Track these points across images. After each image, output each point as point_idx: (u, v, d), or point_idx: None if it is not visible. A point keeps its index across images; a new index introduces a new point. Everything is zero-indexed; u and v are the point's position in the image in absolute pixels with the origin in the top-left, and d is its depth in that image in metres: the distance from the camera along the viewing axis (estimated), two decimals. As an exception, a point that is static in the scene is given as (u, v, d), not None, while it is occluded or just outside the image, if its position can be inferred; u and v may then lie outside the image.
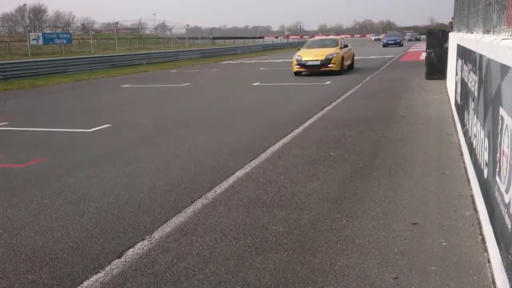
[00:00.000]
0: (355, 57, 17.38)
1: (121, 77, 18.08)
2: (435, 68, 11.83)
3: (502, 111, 2.61)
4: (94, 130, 7.09)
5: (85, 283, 2.53)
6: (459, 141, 5.30)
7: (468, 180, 3.97)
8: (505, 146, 2.45)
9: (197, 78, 16.52)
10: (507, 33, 2.95)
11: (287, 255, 2.79)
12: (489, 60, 3.21)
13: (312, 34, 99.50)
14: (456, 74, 6.72)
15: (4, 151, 6.04)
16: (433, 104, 8.37)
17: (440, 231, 3.05)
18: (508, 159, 2.32)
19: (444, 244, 2.87)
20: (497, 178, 2.58)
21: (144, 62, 24.39)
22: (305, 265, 2.67)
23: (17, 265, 2.78)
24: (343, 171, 4.46)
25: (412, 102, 8.70)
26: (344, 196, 3.76)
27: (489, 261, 2.62)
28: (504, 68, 2.57)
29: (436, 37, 12.01)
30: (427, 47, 12.29)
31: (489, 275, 2.50)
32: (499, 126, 2.64)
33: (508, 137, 2.38)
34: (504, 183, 2.36)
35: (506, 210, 2.25)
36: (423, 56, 14.61)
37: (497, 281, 2.38)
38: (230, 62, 26.29)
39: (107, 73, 19.62)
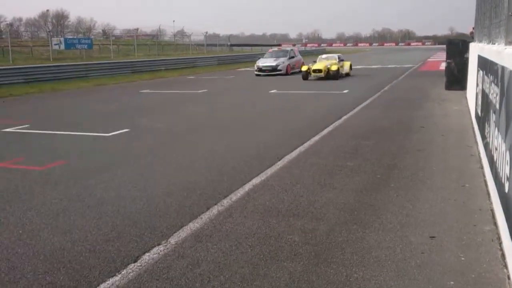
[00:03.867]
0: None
1: (140, 82, 18.41)
2: (455, 79, 11.64)
3: (525, 125, 2.55)
4: (113, 134, 7.23)
5: (102, 286, 2.57)
6: (479, 153, 5.19)
7: (489, 193, 3.87)
8: (529, 161, 2.39)
9: (215, 85, 16.68)
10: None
11: (303, 265, 2.77)
12: (511, 72, 3.15)
13: (330, 42, 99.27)
14: (477, 85, 6.60)
15: (25, 153, 6.21)
16: (453, 115, 8.23)
17: (458, 245, 2.99)
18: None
19: (462, 259, 2.81)
20: (520, 193, 2.51)
21: (163, 68, 24.78)
22: (321, 276, 2.64)
23: (35, 265, 2.85)
24: (360, 181, 4.41)
25: (431, 112, 8.57)
26: (361, 207, 3.72)
27: (509, 278, 2.54)
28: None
29: (457, 47, 11.83)
30: (447, 57, 12.11)
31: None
32: (523, 140, 2.57)
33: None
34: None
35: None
36: (443, 66, 14.39)
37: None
38: (247, 69, 26.41)
39: (127, 78, 20.02)
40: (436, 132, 6.71)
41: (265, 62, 20.18)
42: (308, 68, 16.65)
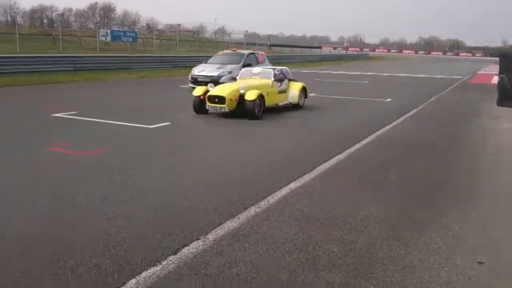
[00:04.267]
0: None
1: (180, 77, 18.80)
2: (508, 95, 10.98)
3: None
4: (155, 127, 7.43)
5: (143, 274, 2.64)
6: (535, 177, 4.85)
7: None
8: None
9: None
10: None
11: (341, 277, 2.70)
12: None
13: (373, 47, 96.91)
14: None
15: (71, 138, 6.51)
16: (505, 133, 7.77)
17: (509, 274, 2.80)
18: None
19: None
20: None
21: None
22: (360, 290, 2.56)
23: (82, 247, 2.97)
24: (404, 196, 4.26)
25: (481, 128, 8.15)
26: (404, 223, 3.58)
27: None
28: None
29: (511, 61, 11.16)
30: (500, 72, 11.45)
31: None
32: None
33: None
34: None
35: None
36: (495, 80, 13.65)
37: None
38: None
39: (168, 72, 20.54)
40: (487, 150, 6.36)
41: (204, 70, 13.33)
42: (204, 93, 8.63)
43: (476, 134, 7.57)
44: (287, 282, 2.63)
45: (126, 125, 7.59)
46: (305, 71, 26.58)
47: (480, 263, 2.93)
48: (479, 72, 30.29)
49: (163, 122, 7.74)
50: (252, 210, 3.74)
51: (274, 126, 8.03)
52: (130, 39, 36.35)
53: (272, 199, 4.04)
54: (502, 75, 11.31)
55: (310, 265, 2.83)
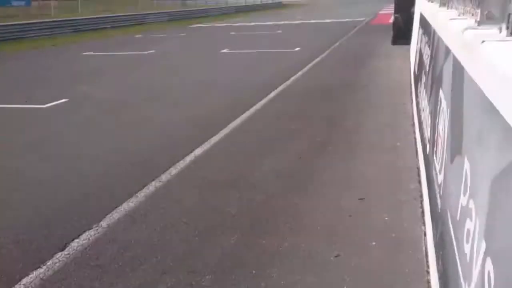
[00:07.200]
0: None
1: (83, 43, 17.10)
2: (401, 33, 11.78)
3: (441, 93, 2.63)
4: (49, 106, 6.76)
5: (24, 281, 2.47)
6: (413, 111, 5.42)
7: (417, 152, 4.07)
8: (440, 128, 2.49)
9: (164, 44, 15.85)
10: (458, 11, 2.87)
11: (236, 238, 2.82)
12: (439, 38, 3.19)
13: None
14: (417, 43, 6.73)
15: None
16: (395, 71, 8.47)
17: (384, 206, 3.16)
18: (442, 142, 2.36)
19: (386, 219, 2.98)
20: (434, 157, 2.65)
21: (109, 26, 23.11)
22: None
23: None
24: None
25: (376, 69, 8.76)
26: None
27: (425, 235, 2.74)
28: (447, 51, 2.56)
29: (405, 0, 11.85)
30: (395, 11, 12.17)
31: (423, 248, 2.62)
32: (438, 107, 2.67)
33: (443, 119, 2.41)
34: (438, 164, 2.42)
35: (438, 190, 2.33)
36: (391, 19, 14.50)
37: (430, 255, 2.50)
38: (200, 25, 25.28)
39: (69, 39, 18.52)
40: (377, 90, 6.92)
41: None
42: None
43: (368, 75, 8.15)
44: (183, 254, 2.67)
45: (15, 107, 6.80)
46: (220, 25, 25.82)
47: (360, 199, 3.25)
48: (380, 12, 31.95)
49: (59, 100, 7.03)
50: (152, 187, 3.67)
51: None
52: (23, 3, 31.59)
53: (174, 170, 4.01)
54: (397, 15, 12.04)
55: (208, 232, 2.90)
